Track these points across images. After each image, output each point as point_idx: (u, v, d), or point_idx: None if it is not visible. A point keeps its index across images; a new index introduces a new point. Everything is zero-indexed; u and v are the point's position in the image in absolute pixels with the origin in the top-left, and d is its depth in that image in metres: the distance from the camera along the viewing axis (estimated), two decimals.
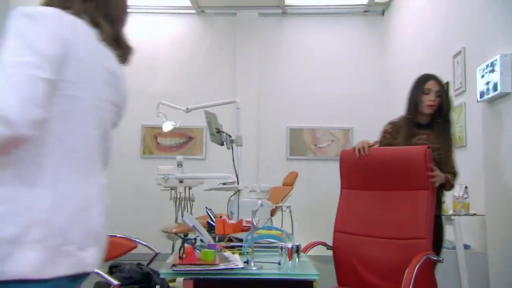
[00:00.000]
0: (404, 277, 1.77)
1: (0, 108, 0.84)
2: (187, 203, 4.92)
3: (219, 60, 6.32)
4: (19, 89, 0.87)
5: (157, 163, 6.00)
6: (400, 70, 5.60)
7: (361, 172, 2.29)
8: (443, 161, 2.37)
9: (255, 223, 1.65)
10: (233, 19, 6.33)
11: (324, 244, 2.36)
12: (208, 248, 1.72)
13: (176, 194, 4.77)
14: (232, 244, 1.98)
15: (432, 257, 1.98)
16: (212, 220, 2.53)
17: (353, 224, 2.20)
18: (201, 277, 1.55)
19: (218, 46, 6.35)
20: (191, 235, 2.19)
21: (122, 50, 1.17)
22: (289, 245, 1.60)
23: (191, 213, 4.92)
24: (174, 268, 1.56)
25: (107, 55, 1.12)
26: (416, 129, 2.50)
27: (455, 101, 3.74)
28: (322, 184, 5.70)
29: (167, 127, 5.00)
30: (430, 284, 1.98)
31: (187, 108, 4.73)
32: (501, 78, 2.69)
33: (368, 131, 6.06)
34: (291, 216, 5.09)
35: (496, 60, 2.76)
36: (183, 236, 1.75)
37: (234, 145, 4.24)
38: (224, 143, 4.26)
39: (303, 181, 5.43)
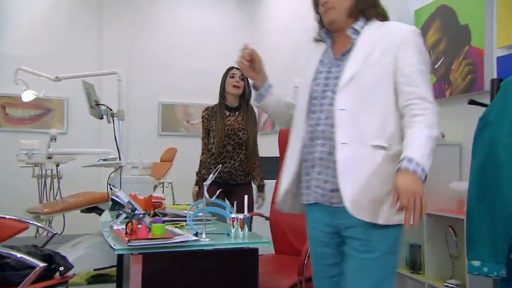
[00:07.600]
0: None
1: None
2: (53, 180, 4.50)
3: (83, 24, 5.76)
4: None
5: (5, 137, 5.28)
6: (273, 53, 5.92)
7: None
8: (250, 140, 2.94)
9: (207, 196, 1.67)
10: None
11: (261, 215, 2.50)
12: (155, 223, 1.69)
13: (42, 171, 4.31)
14: (174, 218, 1.96)
15: None
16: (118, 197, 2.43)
17: None
18: (156, 251, 1.53)
19: (82, 5, 5.80)
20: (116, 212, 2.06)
21: None
22: (241, 216, 1.68)
23: (59, 190, 4.52)
24: (129, 244, 1.50)
25: None
26: (228, 111, 3.05)
27: None
28: (197, 160, 5.77)
29: (28, 96, 4.43)
30: None
31: (56, 77, 4.27)
32: None
33: None
34: (172, 192, 5.10)
35: None
36: (130, 212, 1.67)
37: (115, 119, 4.01)
38: (104, 116, 4.00)
39: (178, 157, 5.43)
